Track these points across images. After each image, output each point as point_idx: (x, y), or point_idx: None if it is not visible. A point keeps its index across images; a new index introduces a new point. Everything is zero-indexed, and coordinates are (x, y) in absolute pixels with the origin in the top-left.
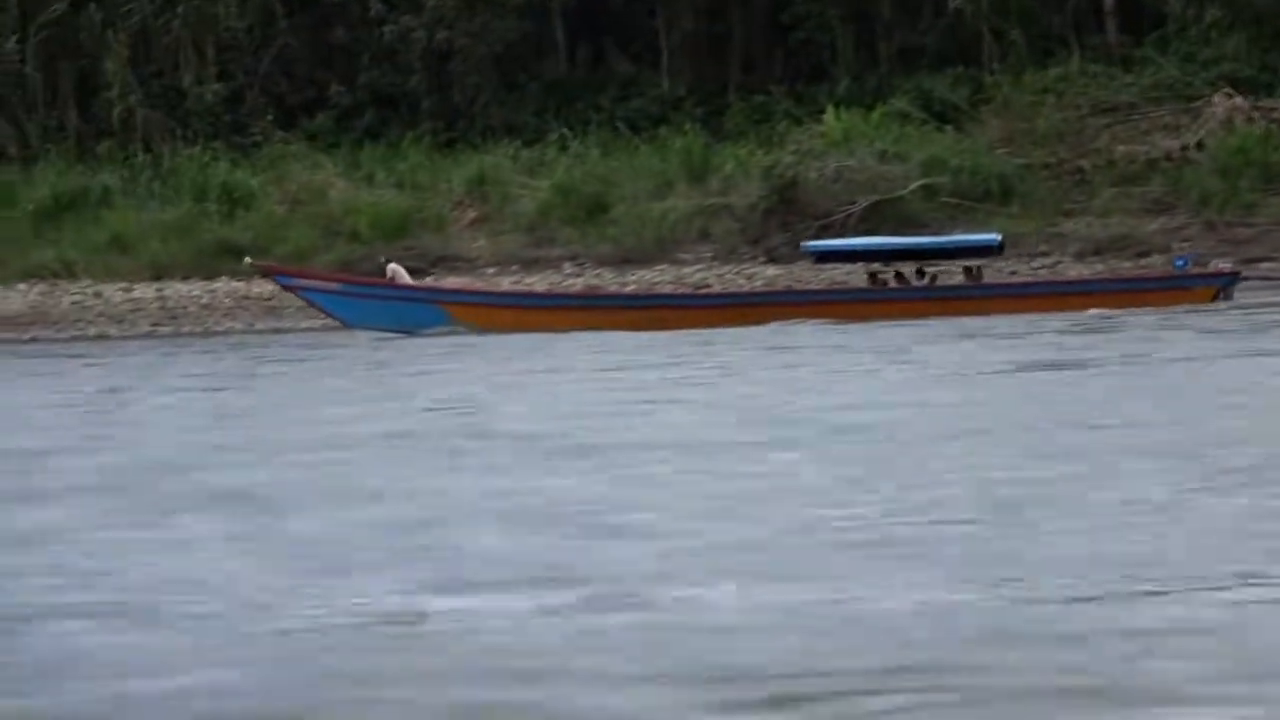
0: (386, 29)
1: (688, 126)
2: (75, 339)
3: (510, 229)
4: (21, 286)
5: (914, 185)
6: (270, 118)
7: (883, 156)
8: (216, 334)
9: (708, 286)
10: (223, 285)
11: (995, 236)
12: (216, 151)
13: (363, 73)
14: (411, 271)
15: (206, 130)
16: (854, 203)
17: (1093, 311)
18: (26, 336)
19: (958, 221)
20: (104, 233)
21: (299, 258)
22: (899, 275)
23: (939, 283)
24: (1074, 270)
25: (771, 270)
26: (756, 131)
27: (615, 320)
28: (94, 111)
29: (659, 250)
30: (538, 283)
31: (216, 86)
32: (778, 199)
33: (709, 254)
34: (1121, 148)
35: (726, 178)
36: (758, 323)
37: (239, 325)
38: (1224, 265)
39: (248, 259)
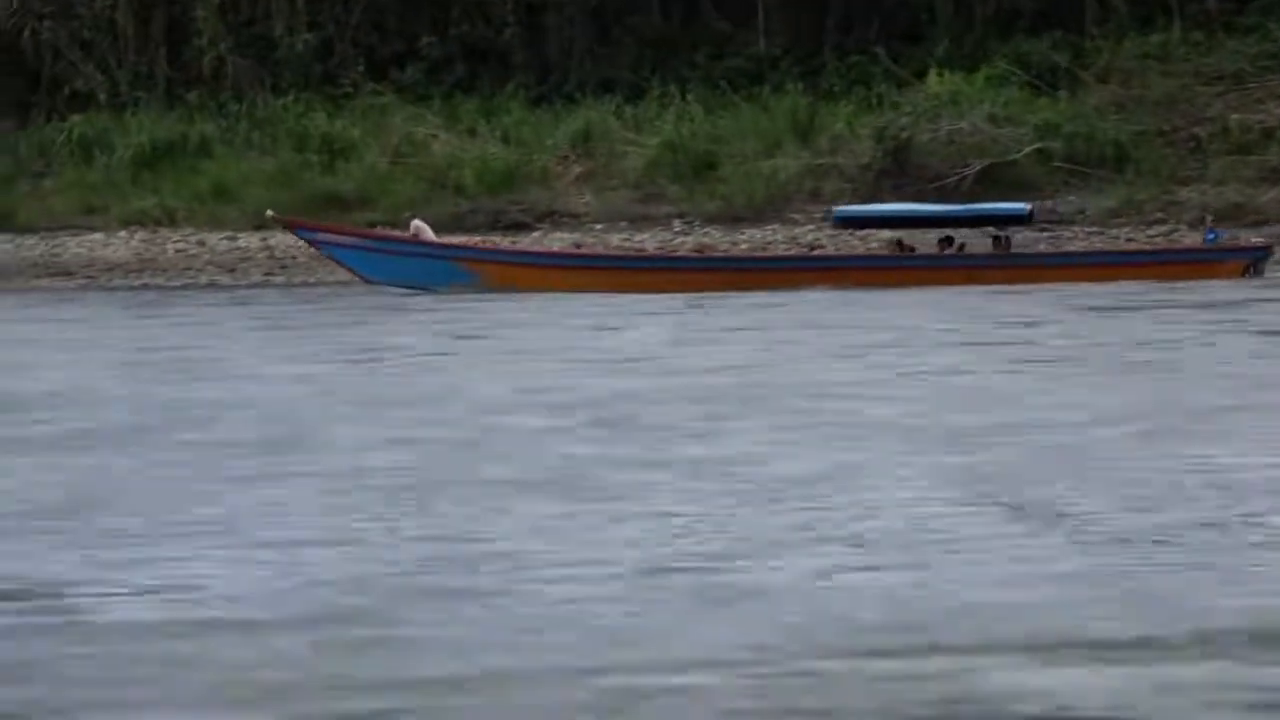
0: None
1: (790, 85)
2: (187, 286)
3: (617, 185)
4: (122, 234)
5: (1027, 149)
6: (361, 69)
7: (994, 120)
8: (329, 284)
9: (821, 246)
10: None
11: (1025, 206)
12: (312, 102)
13: (453, 25)
14: (518, 226)
15: (297, 80)
16: (967, 165)
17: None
18: (138, 283)
19: (1071, 187)
20: (205, 181)
21: (403, 209)
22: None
23: (967, 250)
24: (1188, 238)
25: (886, 233)
26: (853, 92)
27: (643, 282)
28: (183, 59)
29: (770, 209)
30: (647, 240)
31: (307, 36)
32: (891, 160)
33: (819, 214)
34: (1235, 116)
35: (835, 137)
36: (790, 287)
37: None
38: (1257, 239)
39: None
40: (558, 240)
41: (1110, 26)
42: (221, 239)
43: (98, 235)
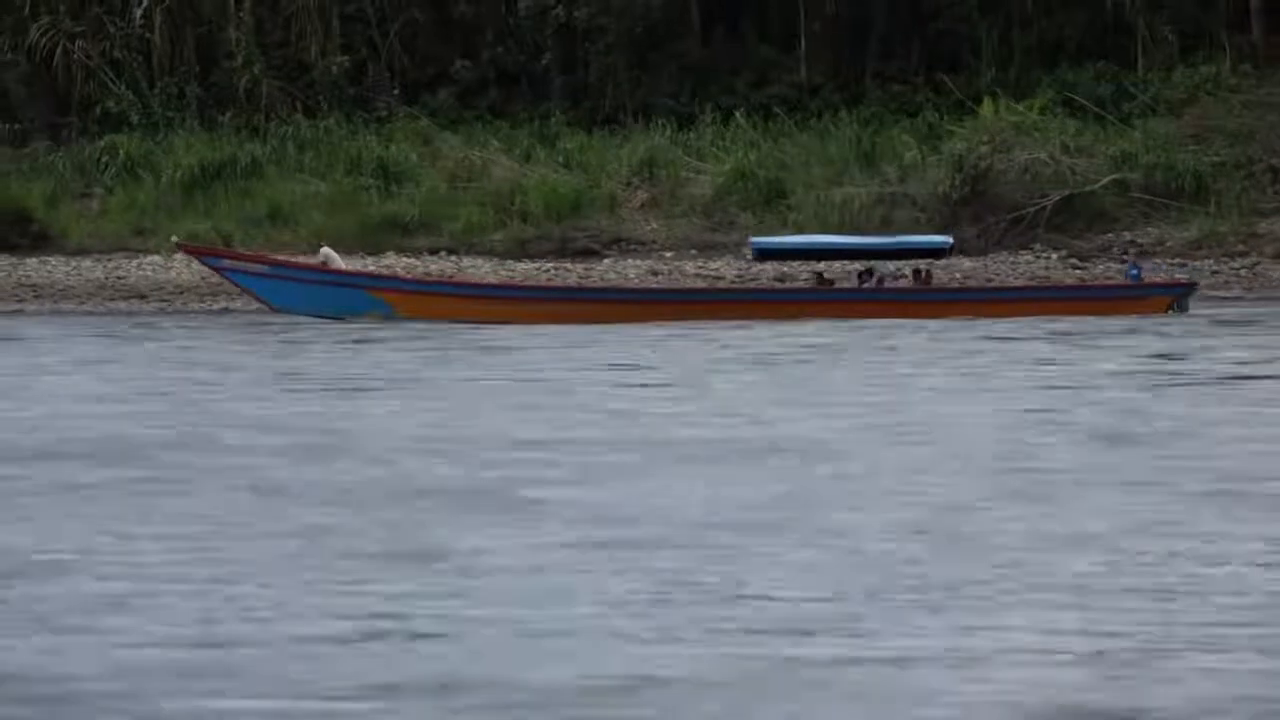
0: (521, 4)
1: (841, 113)
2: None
3: (682, 212)
4: (179, 257)
5: (1105, 180)
6: (397, 92)
7: (1067, 150)
8: None
9: (903, 277)
10: (391, 260)
11: (947, 239)
12: (361, 124)
13: (486, 49)
14: (586, 253)
15: (330, 103)
16: (1045, 195)
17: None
18: (216, 307)
19: (1150, 218)
20: (259, 204)
21: (468, 235)
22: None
23: (886, 285)
24: (1275, 271)
25: (968, 263)
26: (897, 119)
27: (558, 313)
28: (213, 80)
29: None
30: (722, 267)
31: (342, 59)
32: (969, 189)
33: None
34: None
35: (904, 165)
36: (706, 319)
37: None
38: (1180, 275)
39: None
40: (633, 268)
41: (1157, 57)
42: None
43: (155, 258)
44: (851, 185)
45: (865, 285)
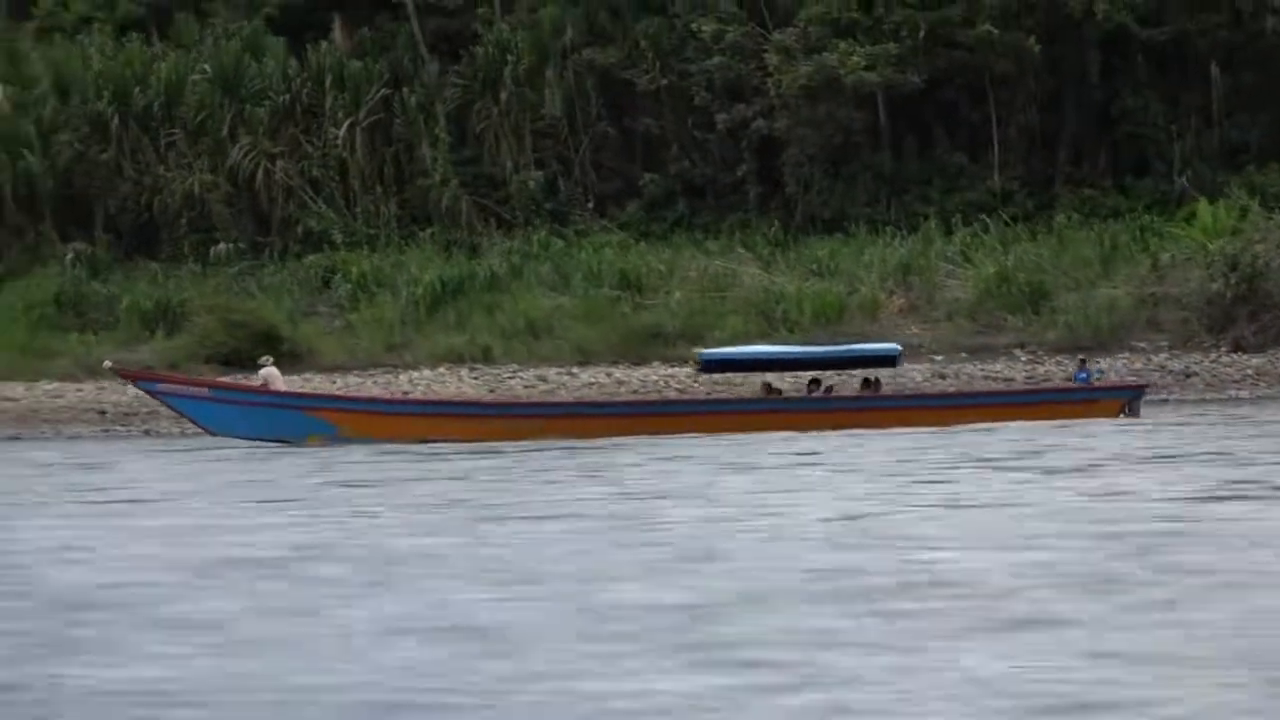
0: (719, 119)
1: (1071, 215)
2: None
3: (941, 316)
4: (441, 369)
5: None
6: (591, 205)
7: None
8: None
9: (1195, 373)
10: (655, 370)
11: (895, 347)
12: (563, 237)
13: (672, 163)
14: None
15: (527, 217)
16: None
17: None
18: None
19: None
20: (513, 317)
21: (734, 343)
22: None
23: (835, 393)
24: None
25: (1256, 360)
26: (1088, 224)
27: (502, 429)
28: (407, 197)
29: (1112, 338)
30: (1003, 369)
31: (537, 174)
32: (1246, 288)
33: (1164, 342)
34: None
35: (1162, 267)
36: (654, 433)
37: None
38: (1130, 379)
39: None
40: (915, 371)
41: None
42: (558, 373)
43: (425, 372)
44: (1107, 286)
45: (814, 394)
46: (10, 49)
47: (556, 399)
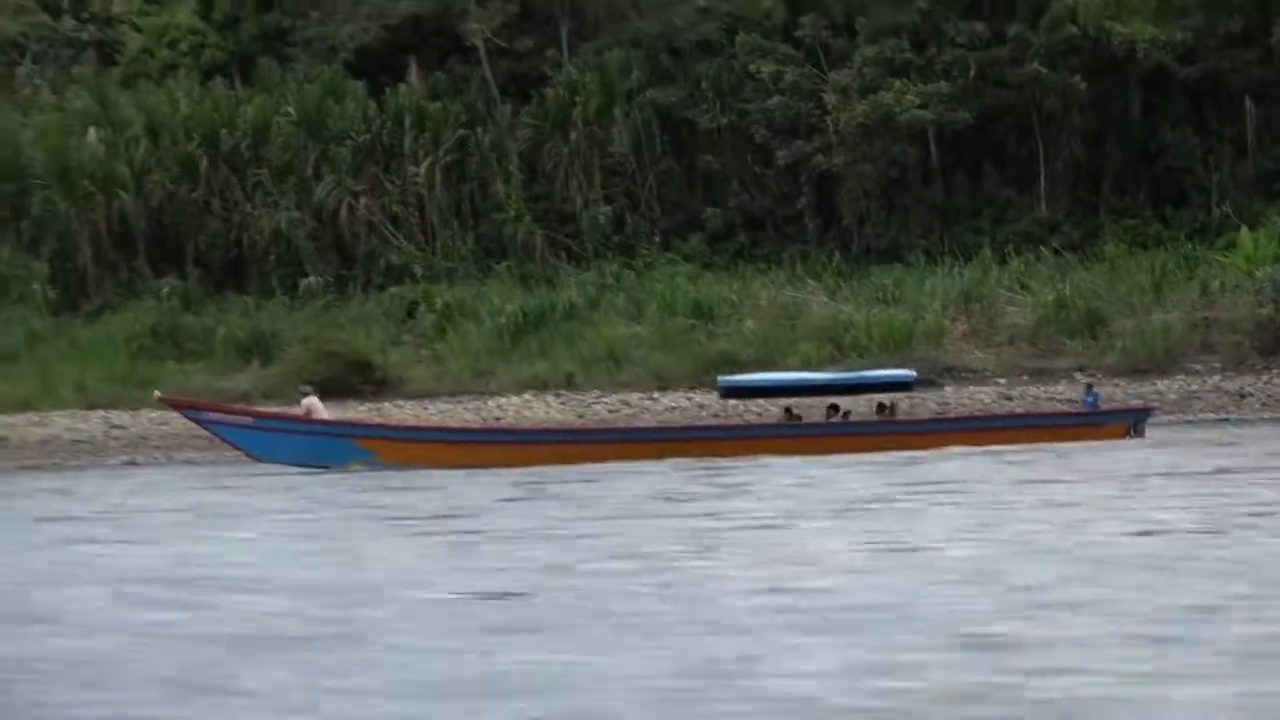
0: (779, 154)
1: (1116, 244)
2: None
3: (1003, 341)
4: (528, 395)
5: None
6: (657, 239)
7: None
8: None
9: (1250, 393)
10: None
11: (910, 372)
12: (635, 269)
13: (733, 197)
14: (923, 384)
15: (597, 250)
16: None
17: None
18: None
19: None
20: (593, 346)
21: (807, 369)
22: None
23: (852, 419)
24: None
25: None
26: (1131, 253)
27: (537, 455)
28: (482, 231)
29: (1168, 361)
30: (1064, 390)
31: (606, 209)
32: None
33: (1217, 364)
34: None
35: (1211, 293)
36: (683, 455)
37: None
38: (1136, 401)
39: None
40: (982, 394)
41: None
42: (640, 398)
43: (512, 399)
44: (1161, 311)
45: (832, 419)
46: (101, 94)
47: (590, 424)
